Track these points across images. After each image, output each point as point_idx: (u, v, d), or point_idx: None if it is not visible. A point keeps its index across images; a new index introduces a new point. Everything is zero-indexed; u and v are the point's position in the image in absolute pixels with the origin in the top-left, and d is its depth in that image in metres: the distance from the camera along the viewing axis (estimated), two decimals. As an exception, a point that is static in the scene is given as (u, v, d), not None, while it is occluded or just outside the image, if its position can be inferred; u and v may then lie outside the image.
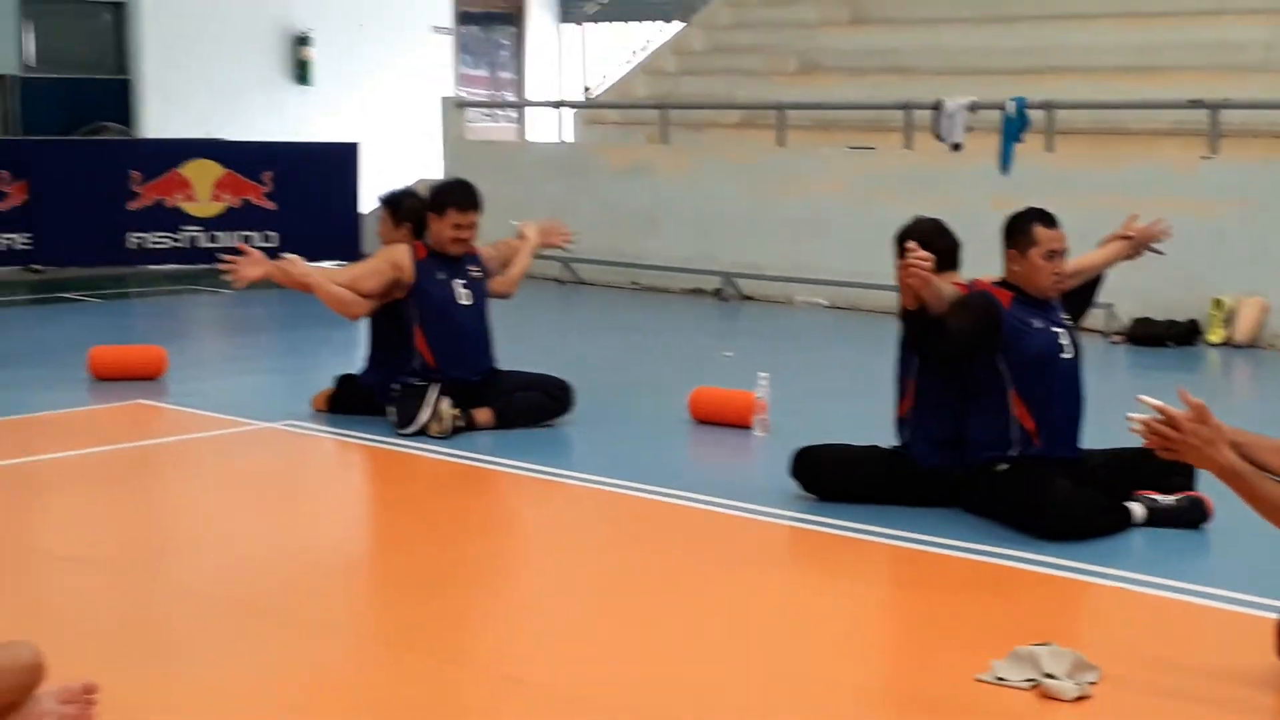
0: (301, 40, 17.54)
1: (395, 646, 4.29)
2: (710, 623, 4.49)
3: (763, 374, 7.15)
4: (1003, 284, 5.72)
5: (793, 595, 4.89)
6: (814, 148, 13.04)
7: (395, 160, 16.09)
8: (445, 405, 6.89)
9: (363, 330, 7.81)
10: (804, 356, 9.76)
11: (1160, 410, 3.57)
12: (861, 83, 14.23)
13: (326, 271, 7.16)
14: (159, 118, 16.30)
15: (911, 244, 5.44)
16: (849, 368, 9.34)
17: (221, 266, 6.79)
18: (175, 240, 13.70)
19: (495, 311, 7.44)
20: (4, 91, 16.20)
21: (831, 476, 5.83)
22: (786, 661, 4.18)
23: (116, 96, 16.60)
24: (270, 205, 13.95)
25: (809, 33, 15.63)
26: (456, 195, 7.21)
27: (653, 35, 17.12)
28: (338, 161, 14.13)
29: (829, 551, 5.37)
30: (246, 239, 13.92)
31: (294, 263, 6.91)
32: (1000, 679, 3.90)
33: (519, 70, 21.61)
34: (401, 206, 7.43)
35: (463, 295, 7.20)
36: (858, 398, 7.85)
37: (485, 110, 19.55)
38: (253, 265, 6.74)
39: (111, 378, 8.11)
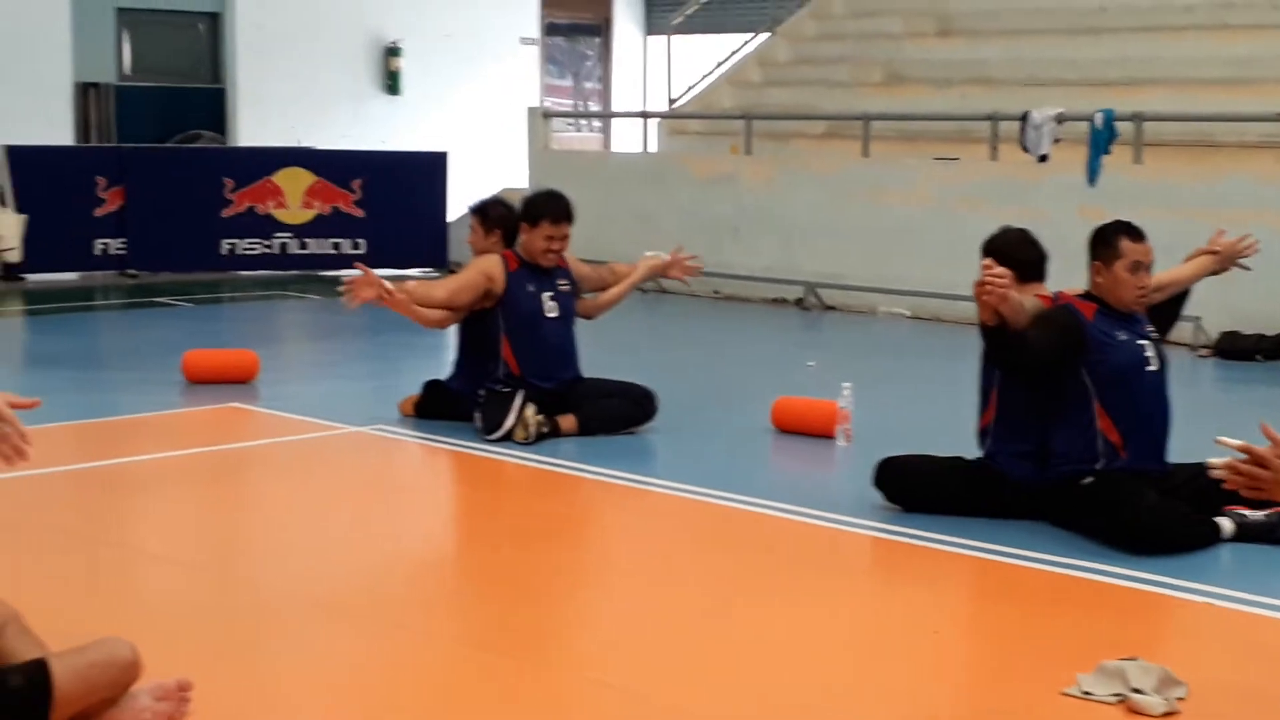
0: (392, 51, 17.76)
1: (481, 649, 4.36)
2: (792, 632, 4.52)
3: (846, 384, 7.17)
4: (1087, 296, 5.70)
5: (876, 606, 4.91)
6: (898, 158, 13.02)
7: (481, 170, 16.25)
8: (530, 412, 6.97)
9: (449, 337, 7.90)
10: (886, 366, 9.75)
11: (1244, 450, 3.27)
12: (947, 94, 14.18)
13: (424, 288, 7.22)
14: (252, 126, 16.57)
15: (988, 261, 5.43)
16: (931, 378, 9.32)
17: (341, 287, 6.87)
18: (266, 246, 13.93)
19: (579, 320, 7.51)
20: (101, 100, 16.54)
21: (915, 487, 5.84)
22: (869, 673, 4.20)
23: (211, 105, 16.90)
24: (359, 213, 14.15)
25: (895, 44, 15.60)
26: (550, 207, 7.28)
27: (738, 46, 17.13)
28: (426, 170, 14.31)
29: (912, 562, 5.38)
30: (336, 246, 14.14)
31: (399, 302, 6.91)
32: (1087, 693, 3.89)
33: (604, 81, 21.73)
34: (490, 215, 7.52)
35: (550, 308, 7.27)
36: (940, 408, 7.83)
37: (569, 120, 19.68)
38: (368, 286, 6.81)
39: (205, 381, 8.26)
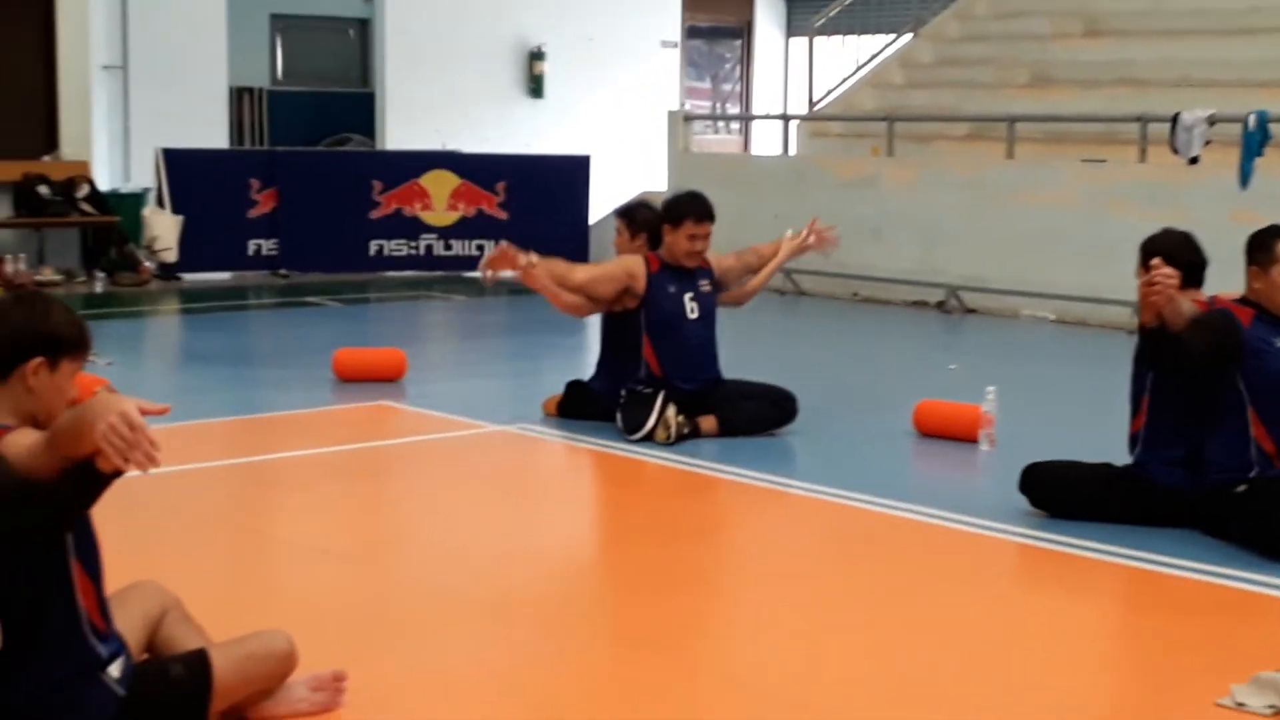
0: (535, 55, 17.95)
1: (630, 647, 4.41)
2: (934, 638, 4.51)
3: (990, 388, 7.11)
4: (1244, 301, 5.59)
5: (1021, 614, 4.87)
6: (1044, 160, 12.85)
7: (621, 173, 16.36)
8: (671, 412, 7.03)
9: (591, 337, 7.98)
10: (1030, 371, 9.64)
11: None
12: (1095, 95, 13.96)
13: (565, 267, 7.31)
14: (399, 130, 16.86)
15: (1156, 260, 5.34)
16: (1077, 383, 9.19)
17: (480, 268, 7.05)
18: (412, 248, 14.17)
19: (719, 321, 7.55)
20: (254, 104, 16.97)
21: (1062, 493, 5.77)
22: (1014, 682, 4.17)
23: (360, 109, 17.23)
24: (502, 215, 14.33)
25: (1041, 45, 15.39)
26: (693, 206, 7.34)
27: (880, 48, 17.03)
28: (569, 173, 14.45)
29: (1059, 570, 5.32)
30: (479, 248, 14.33)
31: (536, 276, 7.07)
32: (1240, 704, 3.83)
33: (745, 83, 21.74)
34: (637, 219, 7.59)
35: (692, 308, 7.32)
36: (1086, 414, 7.73)
37: (707, 122, 19.71)
38: (505, 261, 6.97)
39: (354, 379, 8.45)
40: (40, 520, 3.12)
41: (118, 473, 2.98)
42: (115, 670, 3.35)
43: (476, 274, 14.01)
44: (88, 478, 3.00)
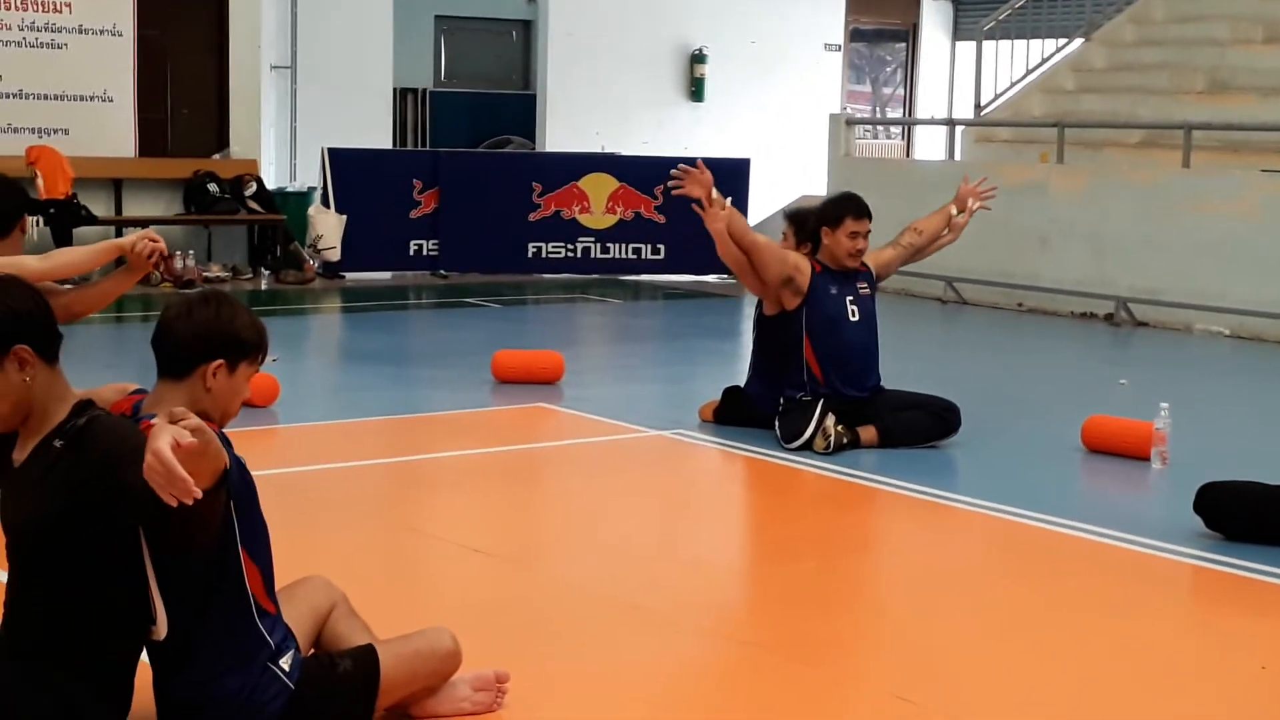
0: (697, 57, 17.92)
1: (780, 656, 4.33)
2: (1102, 660, 4.34)
3: (1163, 404, 6.87)
4: None
5: (1193, 638, 4.69)
6: (1222, 169, 12.43)
7: (780, 177, 16.24)
8: (831, 421, 6.91)
9: (747, 343, 7.89)
10: (1204, 387, 9.32)
11: None
12: (1275, 103, 13.47)
13: (741, 228, 7.20)
14: (559, 132, 16.96)
15: None
16: (1254, 401, 8.87)
17: (674, 172, 7.01)
18: (570, 250, 14.22)
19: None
20: (418, 104, 17.20)
21: (1238, 514, 5.54)
22: (1185, 708, 4.01)
23: (521, 111, 17.37)
24: (660, 219, 14.30)
25: (1219, 51, 14.91)
26: (850, 204, 7.25)
27: (1050, 52, 16.65)
28: (728, 177, 14.17)
29: (1234, 593, 5.11)
30: (636, 251, 14.35)
31: (718, 216, 6.99)
32: None
33: (908, 87, 21.46)
34: (807, 224, 7.47)
35: (853, 311, 7.21)
36: (1264, 432, 7.45)
37: (865, 126, 19.48)
38: (697, 185, 6.93)
39: (512, 380, 8.47)
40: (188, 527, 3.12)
41: (219, 486, 2.98)
42: (286, 662, 3.37)
43: (633, 277, 14.18)
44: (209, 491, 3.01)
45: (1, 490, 3.33)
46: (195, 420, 2.93)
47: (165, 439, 2.80)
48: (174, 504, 2.80)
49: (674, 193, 7.11)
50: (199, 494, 2.81)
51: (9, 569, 3.32)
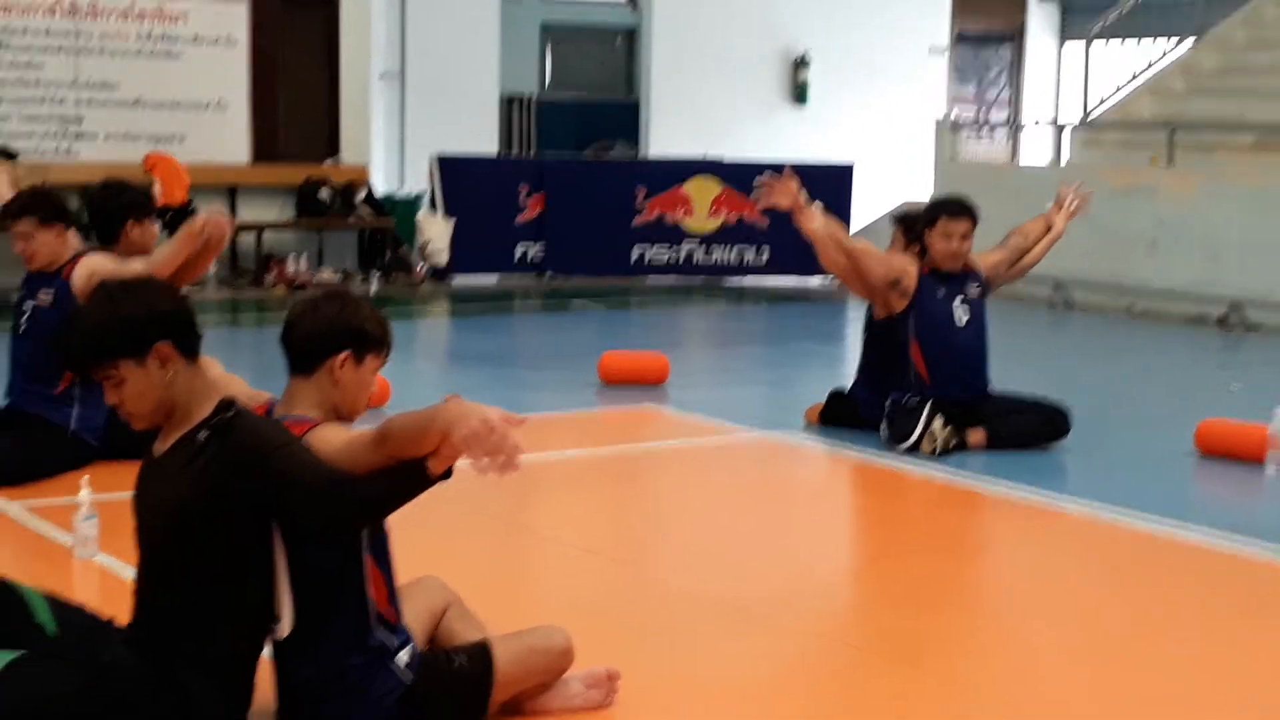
0: (801, 62, 17.90)
1: (886, 659, 4.34)
2: (1212, 667, 4.31)
3: (1278, 408, 6.77)
4: None
5: (1311, 644, 4.62)
6: (1337, 171, 12.21)
7: (885, 181, 16.17)
8: (938, 424, 6.89)
9: (852, 345, 7.89)
10: (1320, 393, 9.15)
11: None
12: (1393, 102, 13.20)
13: (839, 234, 7.23)
14: (663, 137, 17.02)
15: None
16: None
17: (759, 180, 7.05)
18: (674, 253, 14.28)
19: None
20: (524, 112, 17.36)
21: (1357, 521, 5.46)
22: (1306, 712, 3.96)
23: (625, 117, 17.46)
24: (763, 222, 14.30)
25: (1333, 50, 14.64)
26: (948, 204, 7.27)
27: (1159, 55, 16.43)
28: (832, 182, 14.31)
29: (1352, 601, 5.03)
30: (740, 254, 14.37)
31: (813, 217, 7.04)
32: None
33: (1014, 90, 21.25)
34: (917, 228, 7.46)
35: (961, 313, 7.19)
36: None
37: (972, 130, 19.32)
38: (783, 194, 6.97)
39: (618, 382, 8.54)
40: (349, 515, 3.22)
41: (444, 477, 3.08)
42: (403, 658, 3.45)
43: (737, 280, 14.20)
44: (411, 479, 3.10)
45: (138, 481, 3.44)
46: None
47: (492, 410, 2.96)
48: (486, 472, 2.94)
49: (760, 205, 7.14)
50: (519, 466, 2.95)
51: (139, 562, 3.41)
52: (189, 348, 3.34)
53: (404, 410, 3.20)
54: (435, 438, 3.04)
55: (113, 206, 6.43)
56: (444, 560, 4.70)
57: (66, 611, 3.48)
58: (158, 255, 6.22)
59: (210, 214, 6.22)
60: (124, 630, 3.42)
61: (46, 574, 3.85)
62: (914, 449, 6.91)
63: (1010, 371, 7.75)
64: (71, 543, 4.97)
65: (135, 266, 6.11)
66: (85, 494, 4.94)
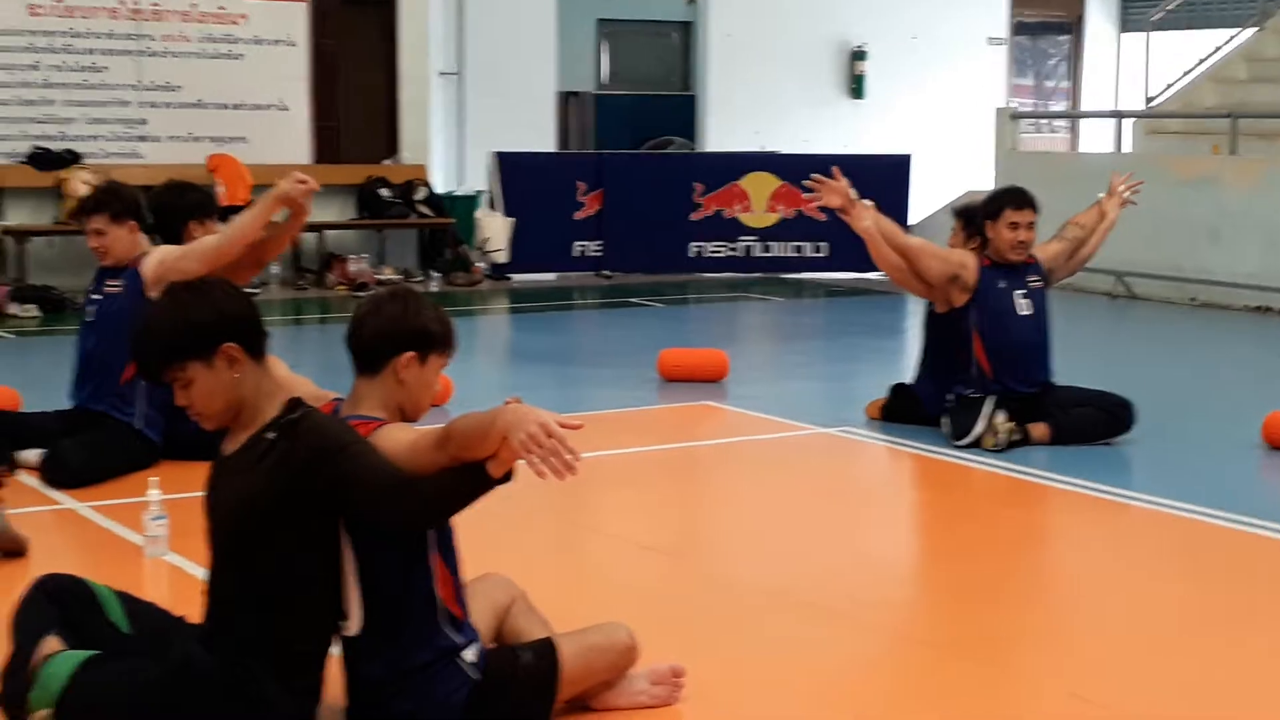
0: (857, 54, 17.83)
1: (951, 653, 4.33)
2: (1288, 660, 4.28)
3: (1347, 400, 6.69)
4: None
5: (1383, 638, 4.57)
6: (1404, 158, 12.03)
7: (943, 172, 16.09)
8: (1001, 418, 6.86)
9: (912, 340, 7.85)
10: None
11: None
12: None
13: (896, 228, 7.22)
14: (720, 131, 17.01)
15: None
16: None
17: (808, 182, 7.05)
18: (731, 249, 14.25)
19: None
20: (581, 108, 17.39)
21: None
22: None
23: (681, 111, 17.45)
24: (821, 216, 14.22)
25: (1401, 34, 14.43)
26: (1011, 195, 7.22)
27: (1222, 42, 16.24)
28: (889, 174, 14.23)
29: None
30: (798, 249, 14.34)
31: (864, 215, 7.02)
32: None
33: (1073, 79, 21.08)
34: (975, 219, 7.43)
35: (1023, 305, 7.15)
36: None
37: (1029, 120, 19.19)
38: (833, 192, 6.96)
39: (677, 379, 8.55)
40: (413, 515, 3.26)
41: (504, 479, 3.11)
42: (470, 655, 3.48)
43: (794, 275, 14.17)
44: (472, 480, 3.14)
45: (209, 480, 3.49)
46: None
47: (549, 415, 2.99)
48: (544, 476, 2.99)
49: (812, 205, 7.12)
50: (578, 470, 2.99)
51: (210, 560, 3.47)
52: (255, 348, 3.38)
53: (466, 409, 3.23)
54: (495, 441, 3.08)
55: (176, 207, 6.49)
56: (506, 557, 4.72)
57: (139, 609, 3.56)
58: (233, 225, 6.20)
59: (292, 176, 6.15)
60: (196, 628, 3.48)
61: (117, 573, 3.91)
62: (976, 444, 6.88)
63: (1072, 364, 7.69)
64: (141, 542, 5.05)
65: (209, 241, 6.15)
66: (154, 494, 5.01)
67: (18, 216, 12.41)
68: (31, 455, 6.07)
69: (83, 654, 3.20)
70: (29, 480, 5.99)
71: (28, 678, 3.17)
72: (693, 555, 5.42)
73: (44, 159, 12.35)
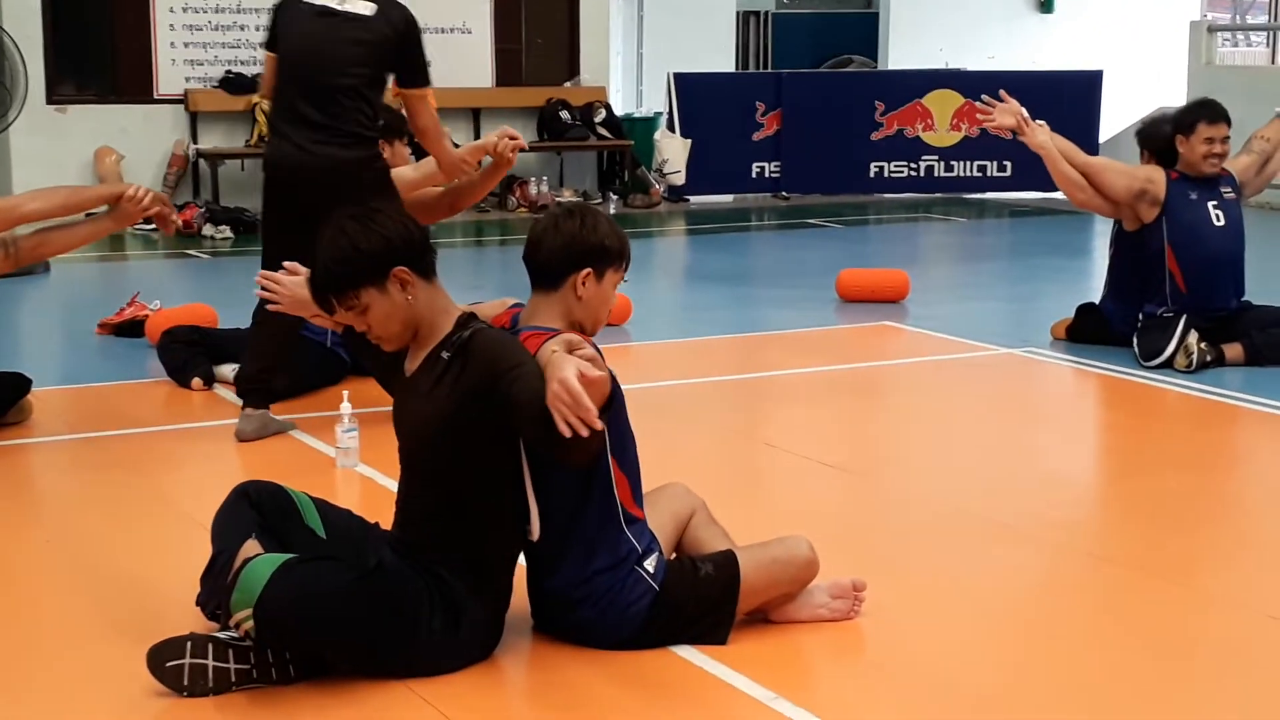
0: (1047, -30, 17.36)
1: (1141, 573, 4.24)
2: None
3: None
4: None
5: None
6: None
7: (1135, 88, 15.59)
8: (1194, 338, 6.67)
9: (1099, 260, 7.64)
10: None
11: None
12: None
13: (1075, 148, 7.08)
14: (902, 50, 16.70)
15: None
16: None
17: (979, 106, 7.06)
18: (913, 169, 14.04)
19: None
20: (760, 27, 17.23)
21: None
22: None
23: (862, 30, 17.18)
24: (1006, 135, 13.90)
25: None
26: (1204, 109, 7.01)
27: None
28: (1080, 91, 13.82)
29: None
30: (981, 169, 14.06)
31: (1038, 133, 6.92)
32: None
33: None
34: (1156, 138, 7.20)
35: (1217, 216, 6.93)
36: None
37: (1226, 35, 18.45)
38: (1006, 113, 6.87)
39: (857, 299, 8.48)
40: (564, 442, 3.22)
41: (604, 411, 3.09)
42: (650, 565, 3.53)
43: (978, 195, 13.91)
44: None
45: (395, 399, 3.59)
46: (591, 350, 3.11)
47: (571, 369, 2.98)
48: (569, 433, 2.96)
49: (987, 128, 7.02)
50: (600, 426, 2.97)
51: (401, 472, 3.57)
52: (425, 269, 3.45)
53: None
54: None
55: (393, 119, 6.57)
56: (687, 471, 4.75)
57: (334, 515, 3.68)
58: (430, 166, 6.31)
59: (503, 131, 6.28)
60: (388, 534, 3.59)
61: (312, 484, 4.03)
62: (1167, 364, 6.71)
63: (1268, 283, 7.44)
64: (334, 454, 5.20)
65: (407, 174, 6.28)
66: (346, 407, 5.16)
67: (211, 140, 12.75)
68: (229, 370, 6.27)
69: (281, 556, 3.31)
70: (226, 394, 6.20)
71: (229, 580, 3.30)
72: (873, 474, 5.40)
73: (236, 83, 12.64)
